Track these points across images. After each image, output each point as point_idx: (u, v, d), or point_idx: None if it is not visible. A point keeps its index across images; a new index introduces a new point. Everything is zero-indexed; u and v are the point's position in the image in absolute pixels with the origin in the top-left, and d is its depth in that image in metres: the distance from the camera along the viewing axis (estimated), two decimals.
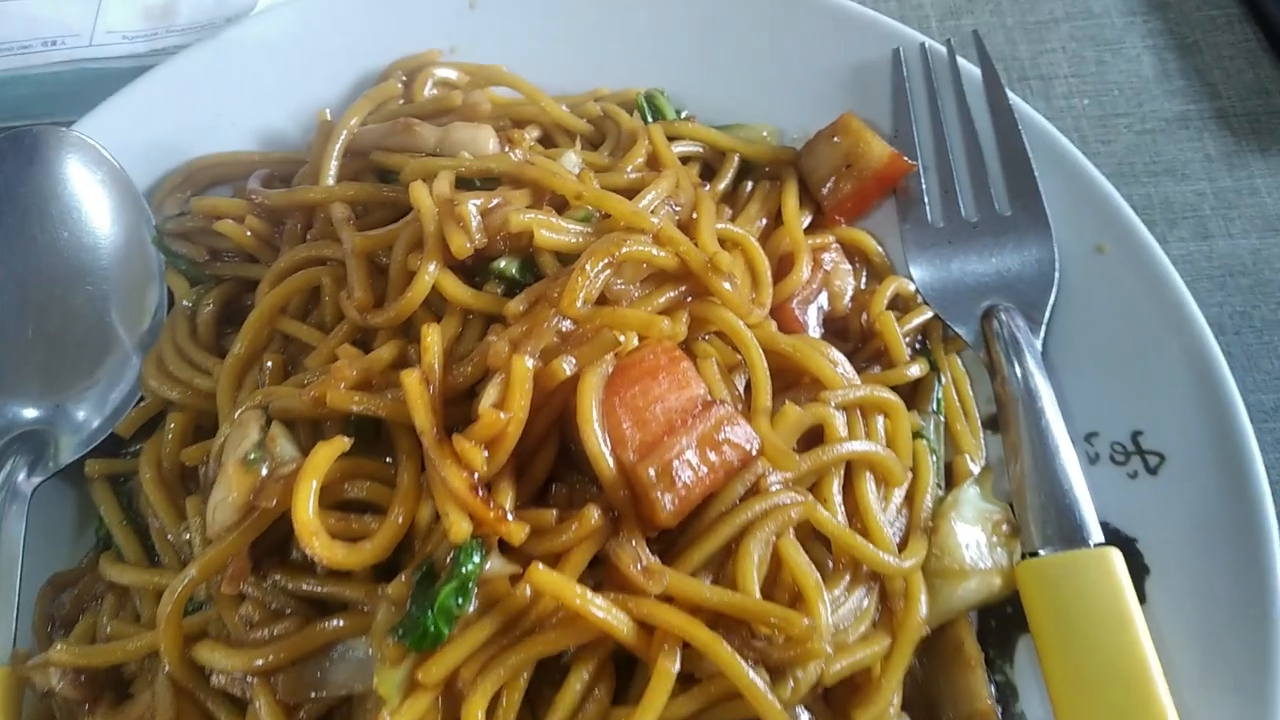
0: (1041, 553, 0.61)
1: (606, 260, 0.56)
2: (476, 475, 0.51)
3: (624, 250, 0.57)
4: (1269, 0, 0.90)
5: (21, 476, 0.64)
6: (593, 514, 0.52)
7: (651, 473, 0.52)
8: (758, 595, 0.53)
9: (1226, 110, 0.88)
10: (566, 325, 0.55)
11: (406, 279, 0.60)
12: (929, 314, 0.72)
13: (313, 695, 0.52)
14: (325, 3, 0.81)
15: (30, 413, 0.66)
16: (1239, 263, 0.81)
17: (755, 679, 0.51)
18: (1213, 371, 0.65)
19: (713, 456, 0.54)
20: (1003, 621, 0.64)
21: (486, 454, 0.52)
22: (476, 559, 0.50)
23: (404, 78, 0.78)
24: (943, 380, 0.70)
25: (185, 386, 0.64)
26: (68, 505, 0.67)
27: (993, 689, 0.62)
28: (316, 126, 0.75)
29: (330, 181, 0.69)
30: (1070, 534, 0.61)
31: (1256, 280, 0.80)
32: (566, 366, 0.53)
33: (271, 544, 0.54)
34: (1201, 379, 0.65)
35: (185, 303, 0.68)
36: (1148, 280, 0.69)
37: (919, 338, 0.72)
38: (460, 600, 0.49)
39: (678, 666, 0.51)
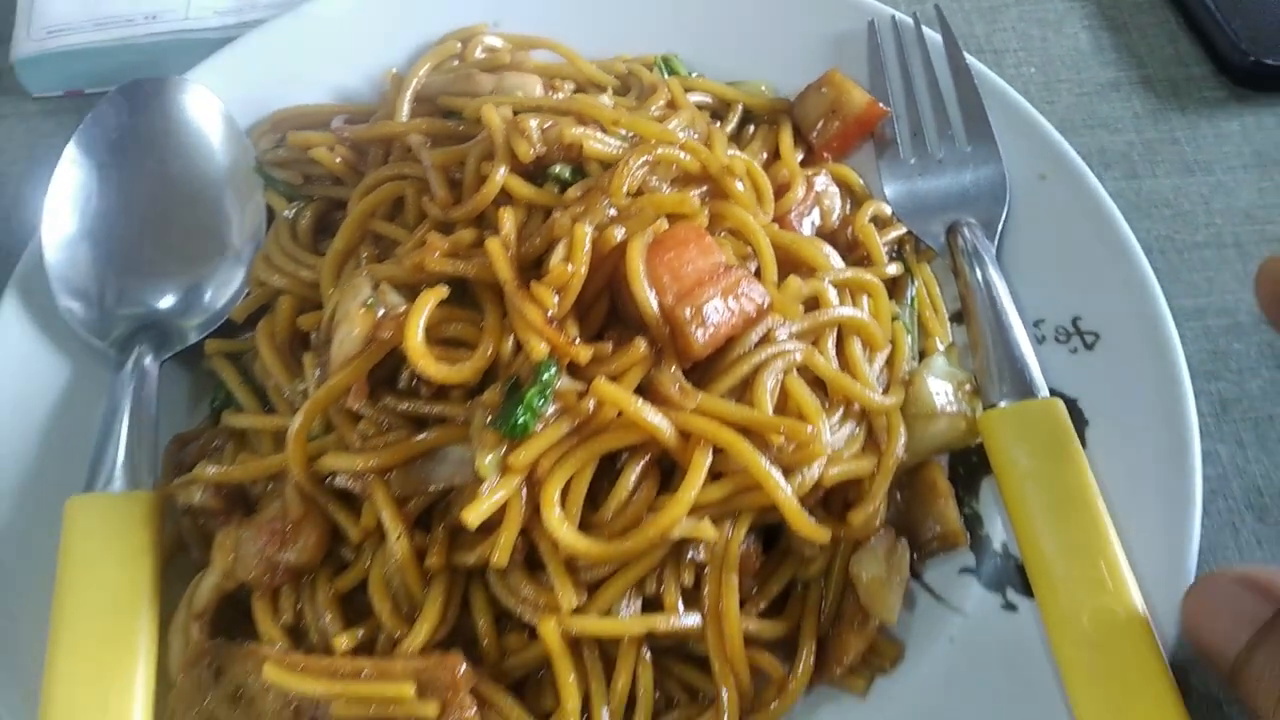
0: (1000, 405, 0.75)
1: (645, 158, 0.71)
2: (549, 313, 0.65)
3: (658, 152, 0.71)
4: None
5: (149, 359, 0.76)
6: (641, 344, 0.65)
7: (688, 312, 0.66)
8: (769, 415, 0.67)
9: (1151, 77, 1.04)
10: (612, 211, 0.69)
11: (478, 183, 0.74)
12: (903, 230, 0.86)
13: (419, 487, 0.65)
14: None
15: (154, 305, 0.78)
16: (1162, 198, 0.96)
17: (771, 469, 0.64)
18: (1136, 266, 0.80)
19: (734, 305, 0.68)
20: (969, 468, 0.78)
21: (556, 299, 0.65)
22: (553, 371, 0.63)
23: (459, 43, 0.92)
24: (915, 282, 0.84)
25: (290, 277, 0.77)
26: (183, 386, 0.80)
27: (961, 519, 0.75)
28: (387, 81, 0.89)
29: (405, 119, 0.83)
30: (1023, 389, 0.74)
31: (1177, 211, 0.95)
32: (618, 233, 0.67)
33: (380, 378, 0.67)
34: (1128, 273, 0.80)
35: (286, 213, 0.81)
36: (1081, 198, 0.84)
37: (895, 248, 0.86)
38: (541, 401, 0.62)
39: (709, 460, 0.65)
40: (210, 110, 0.84)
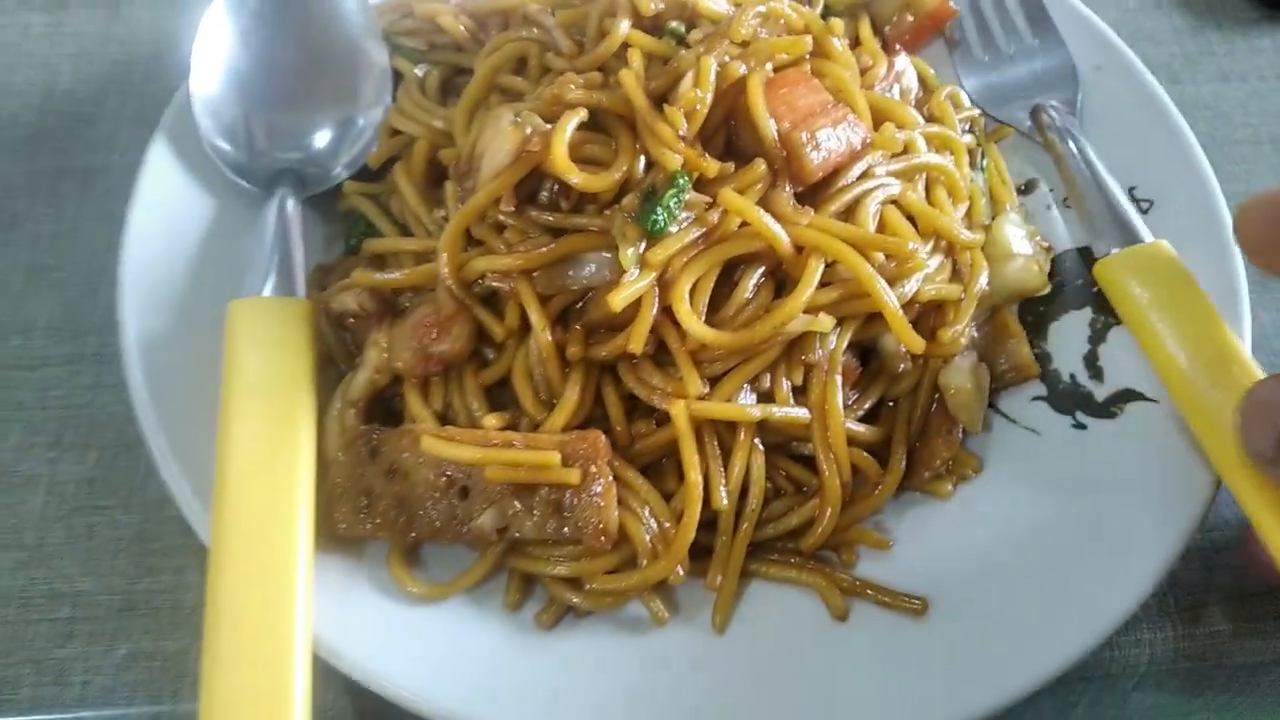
0: (1113, 251, 0.80)
1: (759, 8, 0.78)
2: (680, 133, 0.72)
3: (771, 5, 0.79)
4: None
5: (291, 198, 0.83)
6: (760, 164, 0.73)
7: (804, 136, 0.73)
8: (871, 234, 0.74)
9: None
10: (728, 56, 0.77)
11: (599, 37, 0.81)
12: (974, 111, 0.94)
13: (560, 287, 0.72)
14: None
15: (298, 147, 0.85)
16: (1202, 101, 1.05)
17: (876, 275, 0.72)
18: (1186, 142, 0.88)
19: (842, 135, 0.75)
20: (1036, 315, 0.85)
21: (685, 122, 0.73)
22: (686, 179, 0.70)
23: None
24: (984, 157, 0.92)
25: (424, 125, 0.84)
26: (317, 228, 0.87)
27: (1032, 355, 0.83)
28: None
29: None
30: (1131, 236, 0.80)
31: (1216, 113, 1.04)
32: (740, 68, 0.74)
33: (523, 195, 0.74)
34: (1177, 147, 0.88)
35: (416, 72, 0.88)
36: (1134, 85, 0.92)
37: (967, 127, 0.94)
38: (675, 203, 0.69)
39: (821, 268, 0.72)
40: None
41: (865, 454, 0.75)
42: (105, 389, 0.83)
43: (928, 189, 0.83)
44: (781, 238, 0.71)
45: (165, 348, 0.76)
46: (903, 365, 0.77)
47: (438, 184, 0.84)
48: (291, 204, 0.82)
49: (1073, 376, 0.81)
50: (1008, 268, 0.82)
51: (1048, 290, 0.85)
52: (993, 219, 0.88)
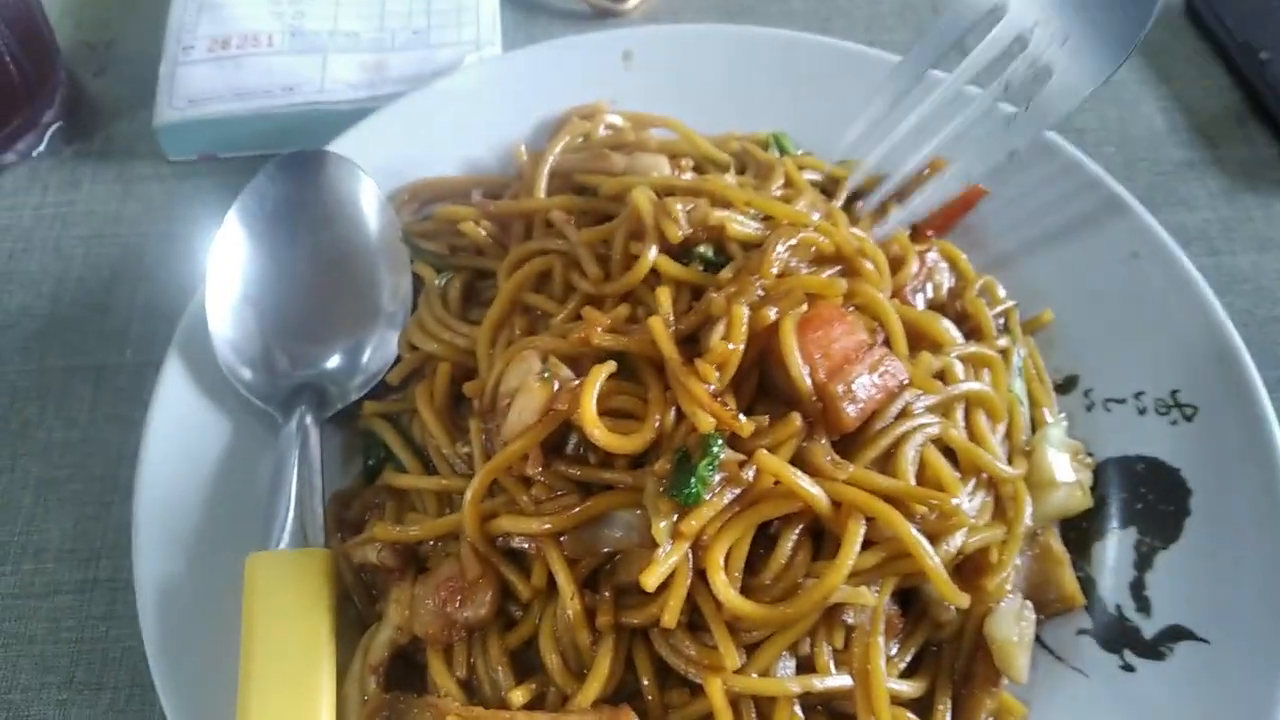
0: None
1: (789, 242, 0.76)
2: (711, 388, 0.69)
3: (801, 236, 0.76)
4: (1252, 75, 1.12)
5: (310, 419, 0.81)
6: (796, 418, 0.70)
7: (840, 388, 0.70)
8: (913, 484, 0.72)
9: (1223, 158, 1.10)
10: (761, 291, 0.74)
11: (626, 260, 0.79)
12: (1010, 303, 0.91)
13: (589, 549, 0.69)
14: (512, 62, 1.02)
15: (317, 367, 0.83)
16: (1240, 273, 1.02)
17: (920, 538, 0.69)
18: (1229, 342, 0.85)
19: (878, 380, 0.72)
20: (1079, 533, 0.82)
21: (717, 375, 0.70)
22: (720, 443, 0.68)
23: (585, 120, 0.97)
24: (1021, 353, 0.89)
25: (445, 344, 0.82)
26: (334, 445, 0.84)
27: (1077, 583, 0.80)
28: (519, 157, 0.95)
29: (542, 195, 0.89)
30: None
31: (1256, 286, 1.01)
32: (771, 313, 0.72)
33: (548, 445, 0.72)
34: (1221, 350, 0.85)
35: (437, 282, 0.86)
36: (1172, 276, 0.89)
37: (1001, 320, 0.91)
38: (709, 470, 0.67)
39: (863, 530, 0.69)
40: (360, 183, 0.88)
41: (906, 713, 0.72)
42: (119, 620, 0.80)
43: (967, 413, 0.80)
44: (820, 499, 0.69)
45: (181, 597, 0.74)
46: (945, 614, 0.74)
47: (460, 405, 0.81)
48: (311, 426, 0.80)
49: (1119, 608, 0.79)
50: (1051, 496, 0.80)
51: (1091, 506, 0.83)
52: (1033, 430, 0.85)
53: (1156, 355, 0.87)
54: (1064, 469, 0.81)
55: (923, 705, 0.74)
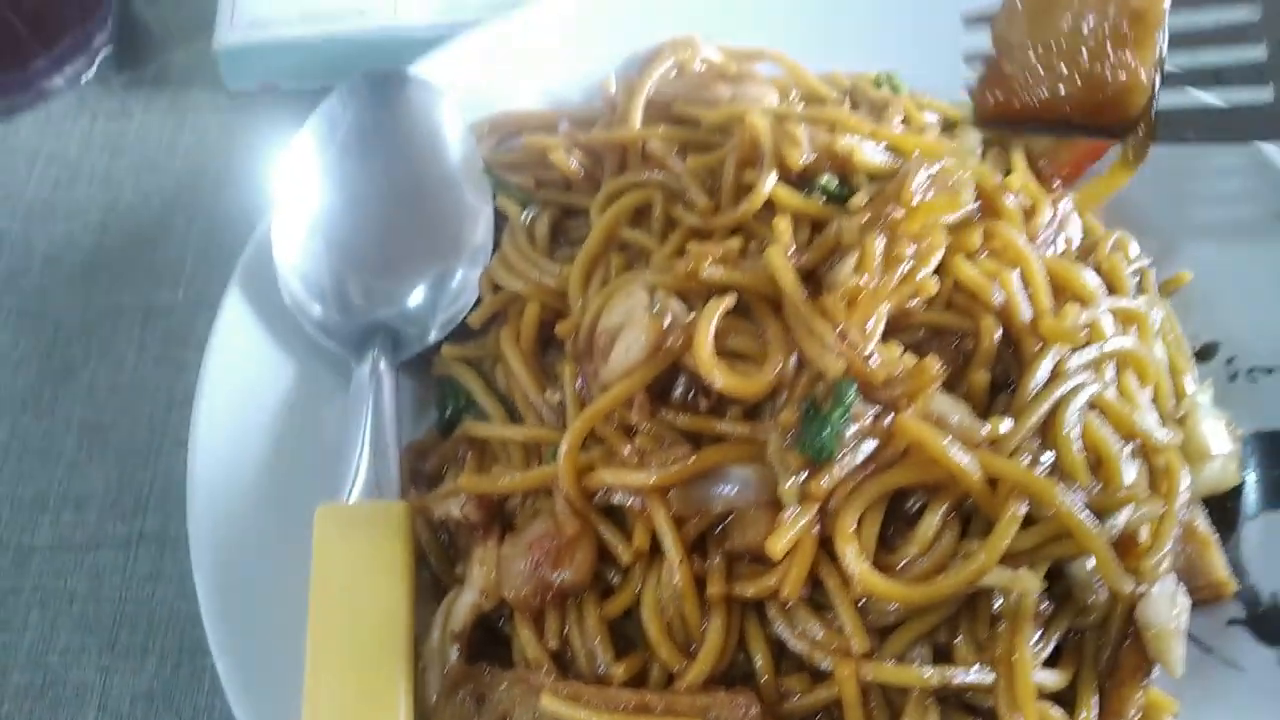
0: None
1: (929, 170, 0.67)
2: (839, 328, 0.61)
3: (942, 164, 0.68)
4: None
5: (384, 363, 0.73)
6: (934, 362, 0.62)
7: None
8: (1078, 456, 0.63)
9: None
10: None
11: (736, 190, 0.71)
12: (1145, 261, 0.82)
13: (699, 508, 0.61)
14: None
15: (392, 305, 0.76)
16: None
17: (1083, 517, 0.61)
18: None
19: None
20: (1225, 514, 0.74)
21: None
22: (853, 392, 0.60)
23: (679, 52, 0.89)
24: (1159, 315, 0.81)
25: (533, 283, 0.74)
26: (406, 394, 0.76)
27: (1229, 567, 0.71)
28: (607, 89, 0.87)
29: (638, 126, 0.81)
30: None
31: None
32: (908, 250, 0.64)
33: (654, 391, 0.64)
34: None
35: (523, 218, 0.78)
36: None
37: (1136, 281, 0.82)
38: (843, 422, 0.59)
39: (1024, 510, 0.61)
40: (442, 108, 0.81)
41: (1051, 707, 0.63)
42: (166, 580, 0.74)
43: (1116, 374, 0.71)
44: (970, 471, 0.60)
45: (240, 555, 0.67)
46: (1093, 597, 0.65)
47: (547, 350, 0.74)
48: (385, 371, 0.73)
49: (1274, 595, 0.70)
50: (1205, 469, 0.71)
51: (1240, 482, 0.74)
52: (1177, 401, 0.76)
53: None
54: (1220, 439, 0.72)
55: (1064, 698, 0.66)
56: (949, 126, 0.87)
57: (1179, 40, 0.71)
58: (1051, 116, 0.61)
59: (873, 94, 0.87)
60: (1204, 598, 0.70)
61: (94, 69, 0.99)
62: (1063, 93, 0.57)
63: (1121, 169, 0.79)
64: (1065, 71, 0.56)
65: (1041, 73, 0.57)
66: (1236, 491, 0.74)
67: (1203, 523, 0.72)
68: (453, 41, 0.89)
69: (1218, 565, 0.71)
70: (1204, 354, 0.81)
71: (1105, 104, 0.58)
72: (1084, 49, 0.56)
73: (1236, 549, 0.73)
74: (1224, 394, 0.79)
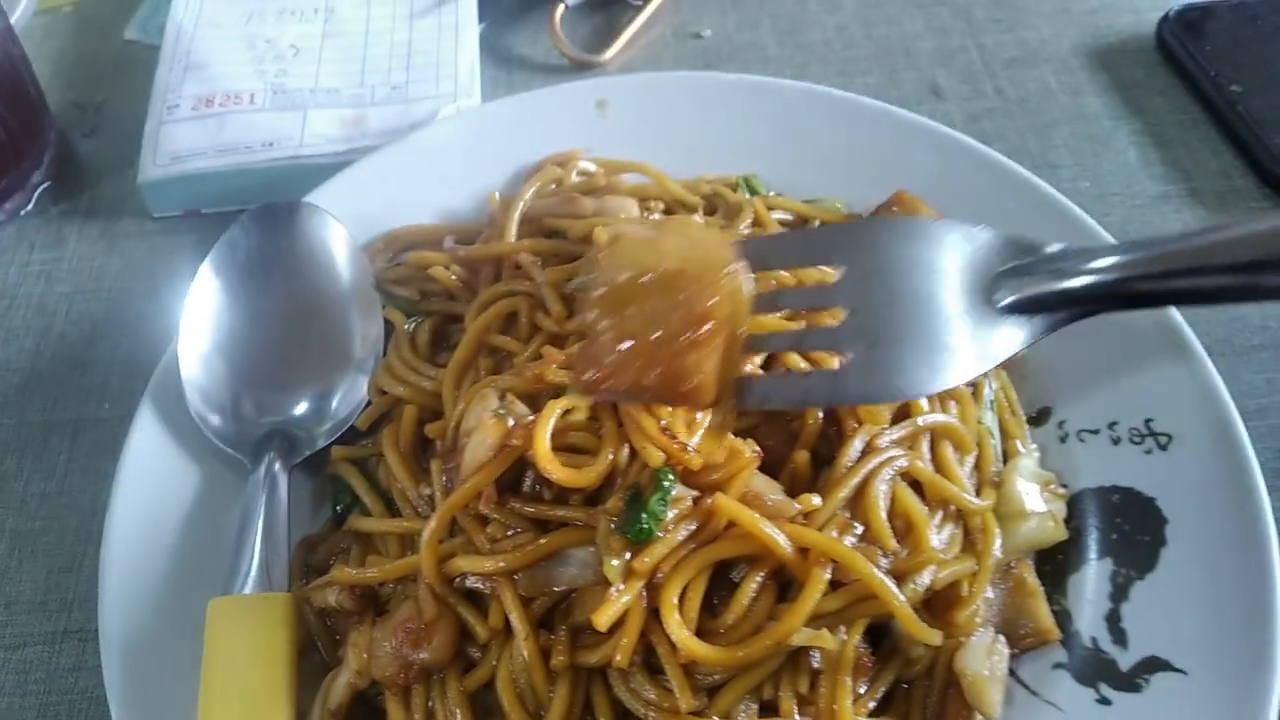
0: None
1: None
2: (662, 423, 0.69)
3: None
4: (1224, 107, 1.12)
5: (278, 465, 0.81)
6: (749, 447, 0.70)
7: None
8: (884, 524, 0.71)
9: (1198, 190, 1.09)
10: None
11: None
12: None
13: (544, 588, 0.69)
14: (488, 113, 1.04)
15: (286, 414, 0.84)
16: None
17: (886, 580, 0.68)
18: (1203, 371, 0.84)
19: None
20: (1055, 565, 0.81)
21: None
22: (671, 478, 0.67)
23: (558, 167, 0.99)
24: (993, 385, 0.89)
25: (412, 387, 0.83)
26: (305, 490, 0.84)
27: (1052, 616, 0.78)
28: (492, 204, 0.96)
29: (513, 239, 0.90)
30: None
31: (1233, 315, 1.00)
32: None
33: (504, 484, 0.72)
34: (1195, 378, 0.84)
35: (407, 326, 0.87)
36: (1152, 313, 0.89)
37: None
38: (662, 507, 0.66)
39: (828, 576, 0.68)
40: (332, 232, 0.90)
41: None
42: (87, 671, 0.80)
43: (933, 444, 0.79)
44: (781, 544, 0.68)
45: (145, 645, 0.74)
46: (915, 650, 0.73)
47: (429, 447, 0.82)
48: (279, 472, 0.80)
49: (1094, 641, 0.77)
50: (1021, 527, 0.78)
51: (1065, 537, 0.81)
52: (1004, 462, 0.84)
53: (1130, 385, 0.87)
54: (1034, 499, 0.80)
55: None
56: (803, 223, 0.97)
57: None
58: (641, 395, 0.68)
59: (729, 198, 0.96)
60: (1031, 644, 0.77)
61: (32, 202, 1.08)
62: (644, 383, 0.64)
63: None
64: (643, 364, 0.64)
65: (625, 362, 0.64)
66: (1066, 545, 0.81)
67: (1031, 575, 0.79)
68: (352, 167, 0.98)
69: (1043, 614, 0.77)
70: (1038, 419, 0.89)
71: (685, 395, 0.66)
72: (658, 350, 0.64)
73: (1064, 598, 0.80)
74: (1059, 455, 0.86)
